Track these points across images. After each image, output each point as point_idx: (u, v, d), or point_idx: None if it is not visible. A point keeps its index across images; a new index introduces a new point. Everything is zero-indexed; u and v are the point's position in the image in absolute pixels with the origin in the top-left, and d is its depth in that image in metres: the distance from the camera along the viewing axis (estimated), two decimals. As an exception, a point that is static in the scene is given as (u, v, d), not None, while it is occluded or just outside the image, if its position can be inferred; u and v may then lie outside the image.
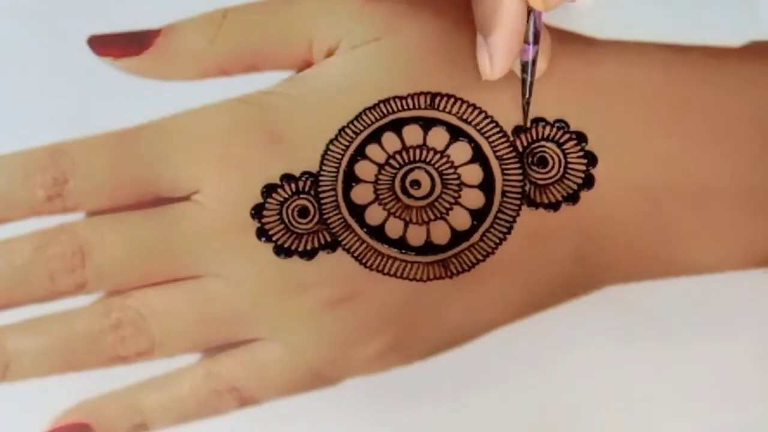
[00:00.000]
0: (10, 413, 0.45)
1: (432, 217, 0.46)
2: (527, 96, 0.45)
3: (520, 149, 0.46)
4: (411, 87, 0.45)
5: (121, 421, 0.46)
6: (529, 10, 0.41)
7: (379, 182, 0.46)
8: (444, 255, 0.46)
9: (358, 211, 0.46)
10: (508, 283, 0.46)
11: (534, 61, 0.43)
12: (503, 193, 0.46)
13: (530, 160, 0.46)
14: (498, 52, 0.42)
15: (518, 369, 0.45)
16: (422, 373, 0.45)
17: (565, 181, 0.46)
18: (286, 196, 0.46)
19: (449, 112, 0.47)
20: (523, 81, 0.44)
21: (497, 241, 0.46)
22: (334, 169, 0.46)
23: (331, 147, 0.46)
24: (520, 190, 0.46)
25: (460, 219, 0.46)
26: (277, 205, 0.46)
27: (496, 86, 0.45)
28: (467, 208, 0.46)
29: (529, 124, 0.46)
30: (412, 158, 0.46)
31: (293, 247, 0.46)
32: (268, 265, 0.45)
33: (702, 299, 0.46)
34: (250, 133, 0.46)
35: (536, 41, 0.42)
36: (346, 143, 0.46)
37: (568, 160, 0.46)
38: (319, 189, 0.46)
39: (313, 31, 0.47)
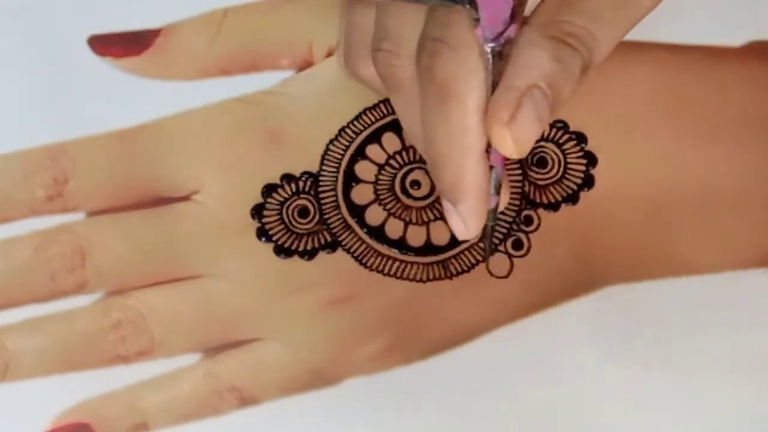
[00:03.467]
0: (10, 413, 0.45)
1: (432, 217, 0.46)
2: (489, 241, 0.44)
3: (520, 149, 0.46)
4: (411, 87, 0.45)
5: (122, 420, 0.46)
6: (491, 165, 0.40)
7: (379, 182, 0.46)
8: (444, 255, 0.46)
9: (358, 212, 0.46)
10: (508, 283, 0.46)
11: (496, 208, 0.42)
12: (503, 194, 0.46)
13: (530, 160, 0.46)
14: (471, 217, 0.41)
15: (518, 369, 0.45)
16: (422, 373, 0.45)
17: (565, 182, 0.46)
18: (286, 196, 0.46)
19: (449, 112, 0.47)
20: (486, 227, 0.42)
21: (496, 241, 0.46)
22: (334, 169, 0.46)
23: (331, 147, 0.46)
24: (519, 190, 0.46)
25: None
26: (277, 205, 0.46)
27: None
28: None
29: (488, 261, 0.45)
30: (412, 158, 0.46)
31: (293, 247, 0.46)
32: (268, 265, 0.45)
33: (702, 299, 0.46)
34: (250, 133, 0.46)
35: (498, 191, 0.41)
36: (346, 143, 0.46)
37: (568, 160, 0.46)
38: (319, 189, 0.46)
39: (313, 31, 0.47)
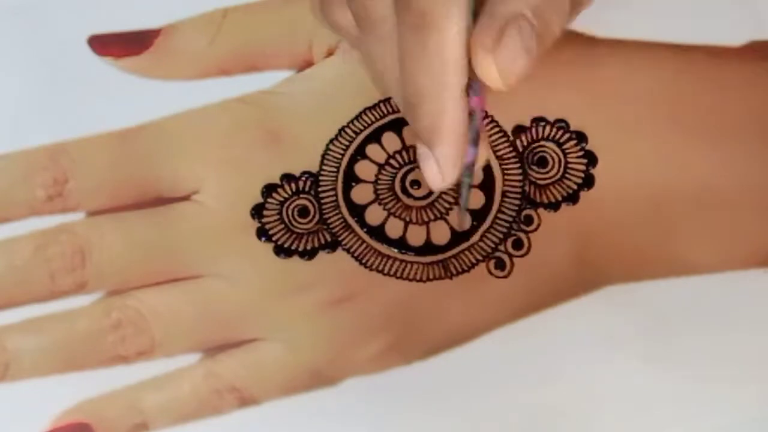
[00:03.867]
0: (10, 413, 0.45)
1: (432, 217, 0.46)
2: (465, 199, 0.43)
3: (520, 149, 0.46)
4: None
5: (122, 420, 0.46)
6: (471, 112, 0.39)
7: (379, 182, 0.46)
8: (444, 255, 0.46)
9: (358, 211, 0.46)
10: (508, 283, 0.46)
11: (473, 164, 0.40)
12: (503, 193, 0.46)
13: (530, 159, 0.46)
14: (448, 163, 0.39)
15: (518, 369, 0.45)
16: (422, 373, 0.45)
17: (565, 181, 0.46)
18: (286, 195, 0.46)
19: (449, 112, 0.47)
20: (463, 183, 0.42)
21: (497, 241, 0.46)
22: (334, 169, 0.46)
23: (331, 147, 0.46)
24: (520, 190, 0.46)
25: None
26: (277, 205, 0.46)
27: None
28: (467, 208, 0.46)
29: (468, 226, 0.44)
30: (412, 158, 0.46)
31: (293, 247, 0.46)
32: (268, 265, 0.45)
33: (702, 299, 0.46)
34: (250, 133, 0.46)
35: (476, 142, 0.40)
36: (346, 143, 0.46)
37: (568, 159, 0.46)
38: (319, 189, 0.46)
39: (313, 31, 0.47)
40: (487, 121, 0.46)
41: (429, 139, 0.39)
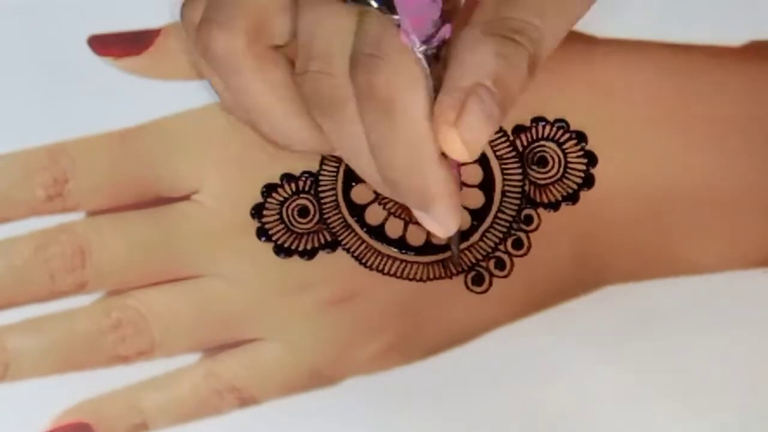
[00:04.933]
0: (10, 413, 0.45)
1: (432, 216, 0.46)
2: (457, 240, 0.44)
3: (520, 149, 0.46)
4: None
5: (122, 420, 0.46)
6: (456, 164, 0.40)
7: (379, 182, 0.46)
8: (444, 255, 0.46)
9: (358, 211, 0.46)
10: (508, 282, 0.46)
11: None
12: (503, 193, 0.46)
13: (530, 159, 0.46)
14: (447, 218, 0.40)
15: (518, 369, 0.45)
16: (422, 373, 0.45)
17: (565, 181, 0.46)
18: (286, 195, 0.46)
19: (449, 112, 0.47)
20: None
21: (497, 241, 0.46)
22: (334, 169, 0.46)
23: (331, 147, 0.46)
24: (520, 189, 0.46)
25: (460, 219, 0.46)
26: (277, 204, 0.46)
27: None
28: (467, 208, 0.46)
29: (459, 264, 0.45)
30: (412, 158, 0.46)
31: (293, 247, 0.46)
32: (268, 265, 0.46)
33: (702, 299, 0.46)
34: (249, 133, 0.46)
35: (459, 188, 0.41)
36: (346, 143, 0.46)
37: (568, 159, 0.46)
38: (319, 189, 0.46)
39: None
40: None
41: (422, 206, 0.40)
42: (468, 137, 0.37)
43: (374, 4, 0.37)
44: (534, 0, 0.39)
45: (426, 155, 0.38)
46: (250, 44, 0.40)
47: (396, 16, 0.37)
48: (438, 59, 0.37)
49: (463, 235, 0.46)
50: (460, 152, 0.37)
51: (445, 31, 0.37)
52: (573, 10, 0.39)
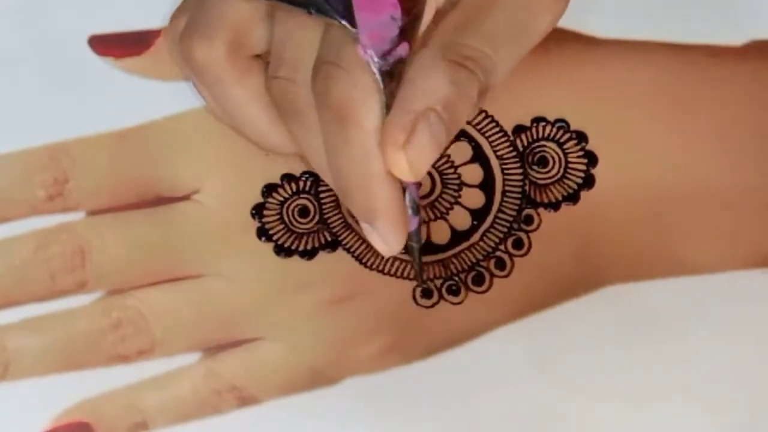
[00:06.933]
0: (10, 413, 0.45)
1: (432, 216, 0.46)
2: (417, 263, 0.44)
3: (521, 149, 0.46)
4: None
5: (122, 420, 0.46)
6: (404, 186, 0.40)
7: (380, 182, 0.46)
8: (444, 255, 0.46)
9: (358, 211, 0.46)
10: (508, 282, 0.46)
11: (419, 229, 0.42)
12: (503, 193, 0.46)
13: (530, 159, 0.46)
14: (389, 236, 0.41)
15: (518, 369, 0.45)
16: (422, 373, 0.45)
17: (566, 181, 0.46)
18: (287, 195, 0.46)
19: (449, 112, 0.47)
20: (411, 248, 0.43)
21: (497, 240, 0.46)
22: (335, 169, 0.46)
23: (332, 146, 0.46)
24: (520, 189, 0.46)
25: (460, 219, 0.46)
26: (277, 204, 0.46)
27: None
28: (467, 208, 0.46)
29: (423, 284, 0.45)
30: (412, 158, 0.46)
31: (293, 247, 0.46)
32: (268, 265, 0.46)
33: (702, 299, 0.46)
34: (250, 133, 0.46)
35: (417, 212, 0.41)
36: (347, 143, 0.46)
37: (569, 159, 0.46)
38: (320, 189, 0.46)
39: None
40: (487, 120, 0.46)
41: (366, 219, 0.40)
42: (414, 159, 0.38)
43: (337, 18, 0.38)
44: (489, 28, 0.39)
45: (373, 170, 0.39)
46: (230, 54, 0.41)
47: (356, 30, 0.37)
48: (393, 76, 0.38)
49: (463, 235, 0.46)
50: (405, 173, 0.38)
51: (402, 49, 0.38)
52: (525, 42, 0.40)
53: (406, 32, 0.38)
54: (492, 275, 0.45)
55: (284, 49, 0.40)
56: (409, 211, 0.41)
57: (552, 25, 0.41)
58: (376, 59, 0.37)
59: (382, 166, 0.39)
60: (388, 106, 0.38)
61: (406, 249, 0.43)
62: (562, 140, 0.46)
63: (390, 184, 0.39)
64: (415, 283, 0.45)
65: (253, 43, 0.42)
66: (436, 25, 0.40)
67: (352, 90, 0.38)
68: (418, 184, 0.41)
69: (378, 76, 0.38)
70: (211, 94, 0.43)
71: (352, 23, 0.37)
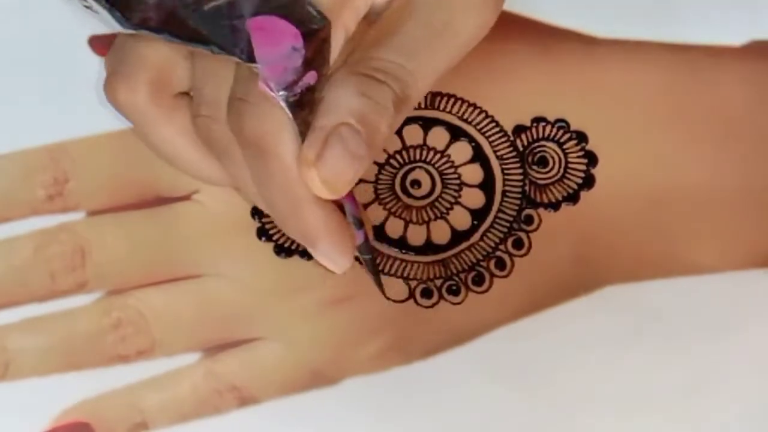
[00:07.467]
0: (10, 413, 0.45)
1: (432, 216, 0.46)
2: (374, 273, 0.44)
3: (521, 149, 0.46)
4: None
5: (122, 420, 0.46)
6: (340, 204, 0.40)
7: (380, 182, 0.46)
8: (444, 255, 0.46)
9: (358, 211, 0.46)
10: (509, 282, 0.46)
11: (367, 242, 0.42)
12: (503, 193, 0.46)
13: (530, 159, 0.46)
14: (333, 255, 0.40)
15: (518, 369, 0.45)
16: (422, 373, 0.45)
17: (566, 181, 0.46)
18: (287, 195, 0.46)
19: (449, 112, 0.47)
20: (365, 261, 0.43)
21: (497, 240, 0.46)
22: (335, 169, 0.46)
23: (332, 146, 0.46)
24: (520, 189, 0.46)
25: (461, 219, 0.46)
26: (277, 204, 0.46)
27: (495, 86, 0.45)
28: (467, 208, 0.46)
29: (383, 291, 0.45)
30: (412, 158, 0.46)
31: (293, 247, 0.46)
32: (268, 265, 0.46)
33: (702, 299, 0.46)
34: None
35: (361, 225, 0.41)
36: (347, 143, 0.46)
37: (569, 159, 0.46)
38: (320, 189, 0.46)
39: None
40: (487, 120, 0.46)
41: (305, 243, 0.40)
42: (329, 176, 0.37)
43: (237, 54, 0.37)
44: (404, 41, 0.39)
45: (300, 198, 0.39)
46: (153, 95, 0.41)
47: (257, 65, 0.37)
48: (303, 105, 0.37)
49: (464, 235, 0.46)
50: (319, 189, 0.38)
51: (310, 77, 0.37)
52: (450, 47, 0.40)
53: (314, 60, 0.37)
54: (492, 275, 0.45)
55: (203, 87, 0.40)
56: (353, 226, 0.41)
57: (482, 29, 0.40)
58: (280, 92, 0.37)
59: (308, 192, 0.38)
60: (302, 134, 0.38)
61: (374, 260, 0.43)
62: (562, 140, 0.46)
63: (320, 207, 0.39)
64: (415, 283, 0.45)
65: (175, 82, 0.41)
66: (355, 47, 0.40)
67: (263, 124, 0.38)
68: (353, 198, 0.40)
69: (285, 107, 0.37)
70: (140, 135, 0.42)
71: (252, 59, 0.37)
